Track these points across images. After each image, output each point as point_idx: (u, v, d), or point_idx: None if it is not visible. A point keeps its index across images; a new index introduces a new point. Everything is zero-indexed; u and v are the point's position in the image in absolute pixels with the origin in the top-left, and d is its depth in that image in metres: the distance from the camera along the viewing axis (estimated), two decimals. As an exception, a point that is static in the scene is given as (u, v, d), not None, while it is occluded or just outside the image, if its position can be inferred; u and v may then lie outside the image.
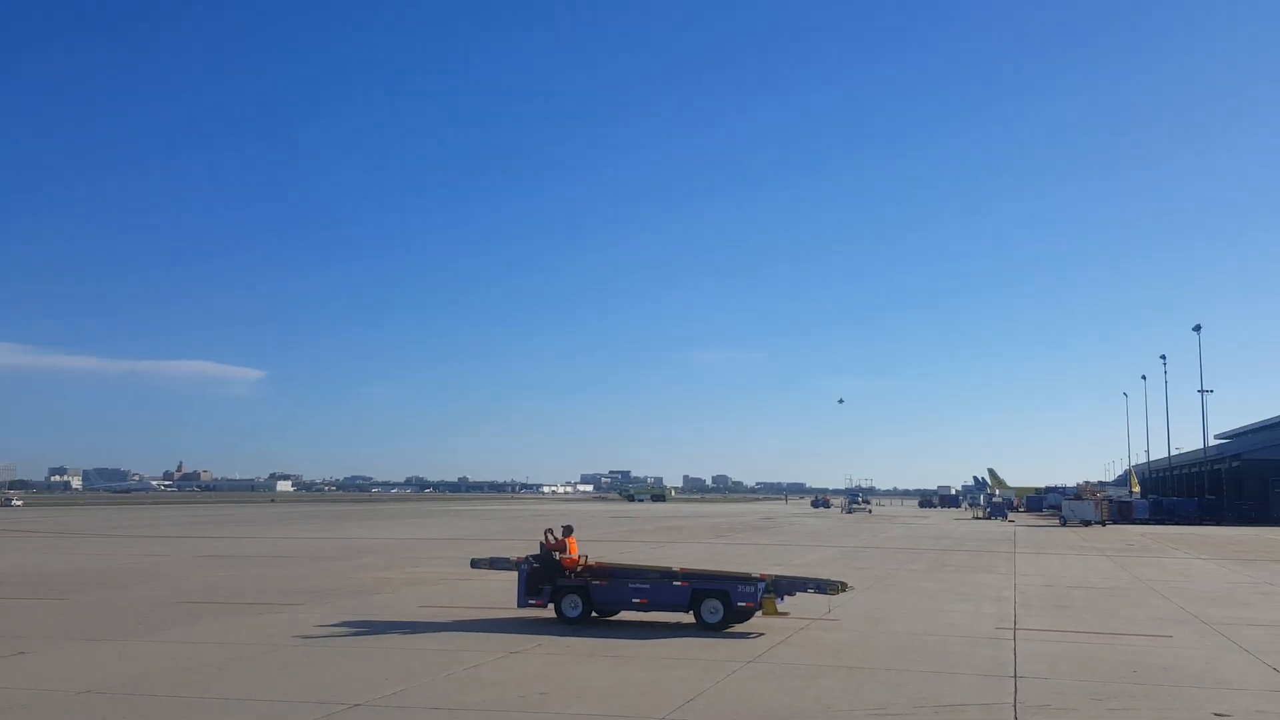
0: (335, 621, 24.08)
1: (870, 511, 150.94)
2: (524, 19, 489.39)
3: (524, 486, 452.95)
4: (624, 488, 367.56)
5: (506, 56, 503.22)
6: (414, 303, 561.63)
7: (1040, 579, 38.39)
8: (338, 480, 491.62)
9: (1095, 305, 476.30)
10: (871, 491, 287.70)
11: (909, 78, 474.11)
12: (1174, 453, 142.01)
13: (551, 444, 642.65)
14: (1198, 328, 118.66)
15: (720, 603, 23.14)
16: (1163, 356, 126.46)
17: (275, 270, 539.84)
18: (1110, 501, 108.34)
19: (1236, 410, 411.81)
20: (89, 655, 19.68)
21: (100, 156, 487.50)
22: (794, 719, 14.73)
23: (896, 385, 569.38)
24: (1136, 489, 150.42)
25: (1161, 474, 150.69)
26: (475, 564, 28.50)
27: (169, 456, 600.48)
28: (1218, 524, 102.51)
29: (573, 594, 24.08)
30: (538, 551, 24.85)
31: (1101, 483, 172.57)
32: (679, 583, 23.85)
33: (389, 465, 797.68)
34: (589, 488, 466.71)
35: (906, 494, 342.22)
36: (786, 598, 23.86)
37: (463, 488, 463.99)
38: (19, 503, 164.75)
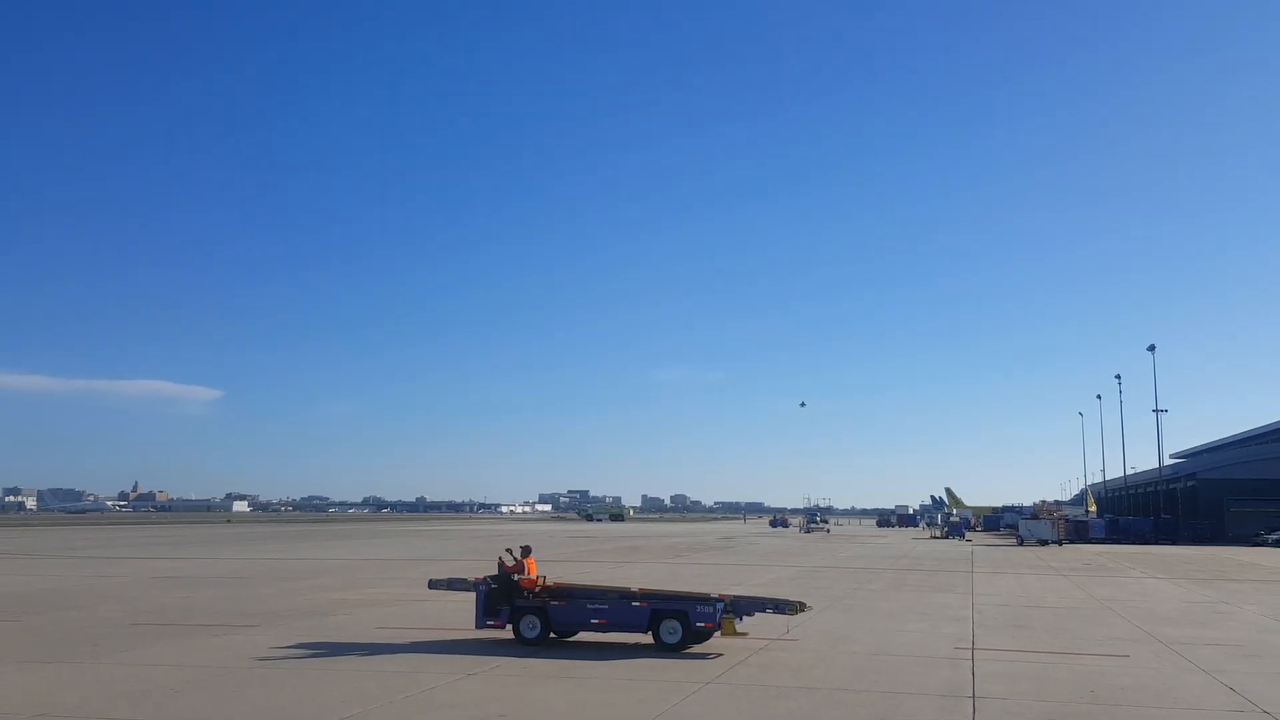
0: (291, 643, 23.82)
1: (828, 531, 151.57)
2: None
3: (482, 506, 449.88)
4: (582, 507, 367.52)
5: (452, 76, 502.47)
6: (370, 320, 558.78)
7: (998, 598, 38.66)
8: (295, 500, 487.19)
9: (1051, 326, 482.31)
10: (830, 511, 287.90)
11: (867, 104, 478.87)
12: (1130, 472, 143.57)
13: (509, 463, 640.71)
14: (1152, 348, 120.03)
15: (679, 623, 23.10)
16: (1118, 376, 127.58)
17: (231, 287, 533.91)
18: (1067, 521, 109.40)
19: (1192, 430, 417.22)
20: (42, 678, 19.32)
21: (49, 168, 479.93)
22: (753, 740, 14.70)
23: (854, 405, 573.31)
24: (1093, 508, 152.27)
25: (1117, 493, 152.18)
26: (433, 584, 28.26)
27: (124, 477, 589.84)
28: (1173, 543, 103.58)
29: (531, 615, 23.99)
30: (495, 572, 24.76)
31: (1058, 502, 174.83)
32: (638, 603, 23.83)
33: (346, 485, 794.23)
34: (547, 507, 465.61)
35: (864, 513, 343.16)
36: (745, 618, 23.88)
37: (420, 507, 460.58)
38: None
